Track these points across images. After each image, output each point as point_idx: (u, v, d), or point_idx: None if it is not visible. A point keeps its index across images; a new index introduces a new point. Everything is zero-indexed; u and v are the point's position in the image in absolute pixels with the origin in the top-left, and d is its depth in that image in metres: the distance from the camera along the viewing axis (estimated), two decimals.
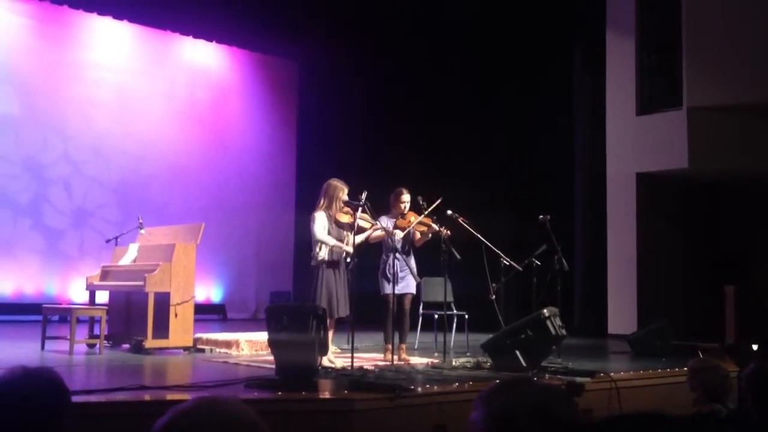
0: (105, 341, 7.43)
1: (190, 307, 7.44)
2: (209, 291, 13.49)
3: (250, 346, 7.43)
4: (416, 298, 7.41)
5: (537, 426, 1.48)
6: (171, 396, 4.66)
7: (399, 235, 6.83)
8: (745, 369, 2.86)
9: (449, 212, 6.89)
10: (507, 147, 12.23)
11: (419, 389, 4.83)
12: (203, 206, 13.16)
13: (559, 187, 11.50)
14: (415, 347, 8.03)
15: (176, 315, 7.26)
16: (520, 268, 7.07)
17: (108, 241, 8.95)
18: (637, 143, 10.94)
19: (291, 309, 5.95)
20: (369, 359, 6.81)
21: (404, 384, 4.92)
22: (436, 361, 6.74)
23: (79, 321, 7.35)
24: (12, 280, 11.59)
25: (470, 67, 12.39)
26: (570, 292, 10.63)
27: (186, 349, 7.39)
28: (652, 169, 10.85)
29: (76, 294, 11.19)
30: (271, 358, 5.71)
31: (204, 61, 14.02)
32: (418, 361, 6.84)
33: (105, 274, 8.25)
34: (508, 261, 7.06)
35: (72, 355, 6.84)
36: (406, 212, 6.98)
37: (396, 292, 6.75)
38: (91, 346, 7.42)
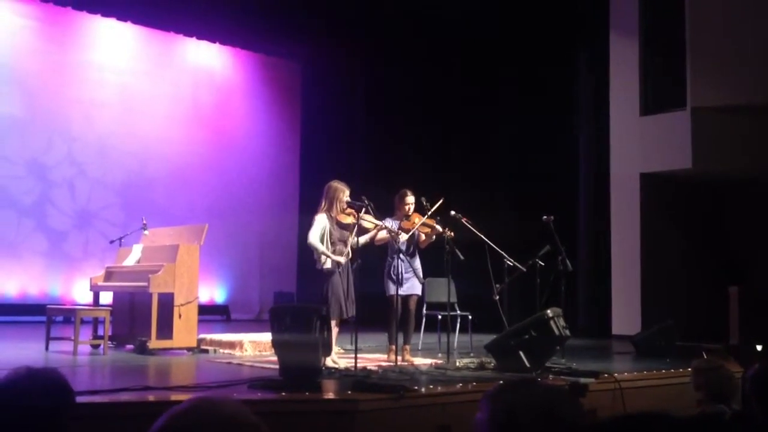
0: (109, 342, 7.46)
1: (194, 307, 7.45)
2: (213, 292, 13.50)
3: (254, 347, 7.44)
4: (420, 299, 7.40)
5: (541, 426, 1.48)
6: (175, 397, 4.66)
7: (403, 237, 6.82)
8: (750, 369, 2.84)
9: (453, 213, 6.88)
10: (510, 147, 12.21)
11: (423, 390, 4.83)
12: (207, 207, 13.18)
13: (562, 187, 11.47)
14: (419, 348, 8.03)
15: (180, 316, 7.28)
16: (524, 269, 7.05)
17: (112, 242, 8.98)
18: (641, 144, 10.92)
19: (294, 310, 5.94)
20: (372, 360, 6.80)
21: (408, 384, 4.91)
22: (439, 361, 6.74)
23: (83, 322, 7.38)
24: (16, 281, 11.62)
25: (472, 69, 12.38)
26: (574, 292, 10.61)
27: (190, 349, 7.40)
28: (655, 169, 10.83)
29: (80, 295, 11.21)
30: (274, 358, 5.72)
31: (207, 62, 14.04)
32: (421, 361, 6.84)
33: (109, 275, 8.26)
34: (511, 262, 7.05)
35: (76, 356, 6.85)
36: (410, 214, 6.97)
37: (400, 293, 6.73)
38: (95, 346, 7.44)
